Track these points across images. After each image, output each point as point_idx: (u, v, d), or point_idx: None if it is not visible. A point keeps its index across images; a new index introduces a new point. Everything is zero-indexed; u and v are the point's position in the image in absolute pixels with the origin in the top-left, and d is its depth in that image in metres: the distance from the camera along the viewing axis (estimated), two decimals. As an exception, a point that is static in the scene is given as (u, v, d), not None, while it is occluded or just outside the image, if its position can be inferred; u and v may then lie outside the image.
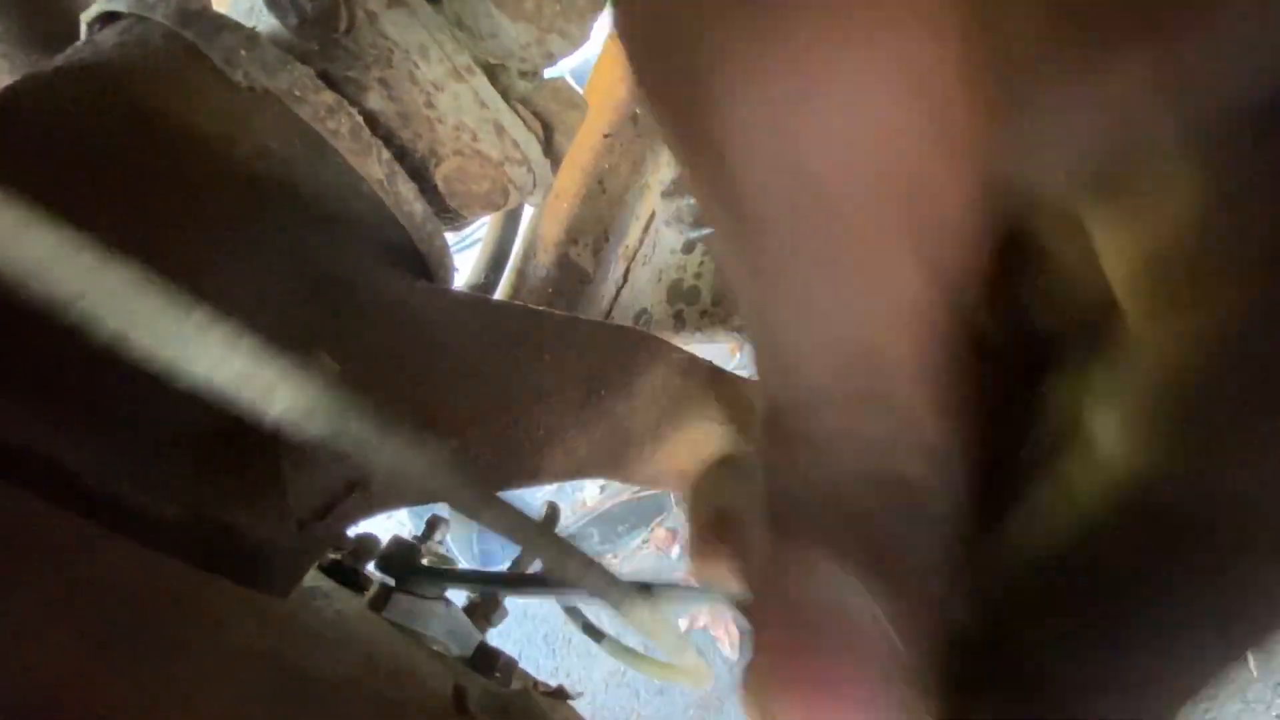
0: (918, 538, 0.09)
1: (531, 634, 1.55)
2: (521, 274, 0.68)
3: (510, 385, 0.31)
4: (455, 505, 0.14)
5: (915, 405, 0.08)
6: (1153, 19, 0.07)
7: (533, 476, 0.32)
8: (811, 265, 0.08)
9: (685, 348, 0.42)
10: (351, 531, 0.36)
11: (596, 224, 0.68)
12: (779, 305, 0.08)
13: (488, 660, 0.30)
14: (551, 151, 0.40)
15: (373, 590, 0.34)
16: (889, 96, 0.07)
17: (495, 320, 0.33)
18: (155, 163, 0.24)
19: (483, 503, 0.14)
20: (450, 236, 0.38)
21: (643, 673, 0.43)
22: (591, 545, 1.64)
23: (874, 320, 0.08)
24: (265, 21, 0.31)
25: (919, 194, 0.07)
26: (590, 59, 0.64)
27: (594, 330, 0.36)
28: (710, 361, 0.41)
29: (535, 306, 0.35)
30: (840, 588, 0.09)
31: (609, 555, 1.61)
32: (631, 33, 0.08)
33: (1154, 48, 0.07)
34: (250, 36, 0.27)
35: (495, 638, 0.41)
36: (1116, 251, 0.09)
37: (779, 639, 0.09)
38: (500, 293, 0.68)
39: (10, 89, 0.25)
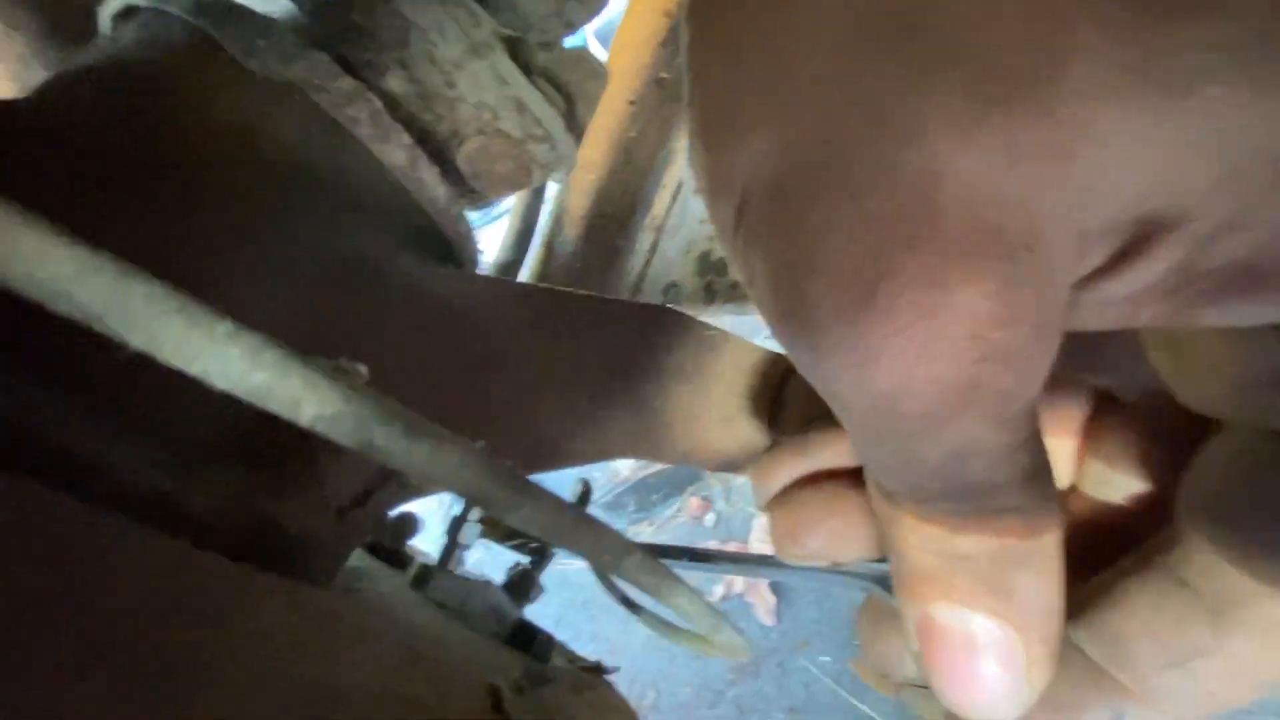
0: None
1: (571, 599, 1.59)
2: (549, 249, 0.67)
3: (539, 369, 0.31)
4: (489, 506, 0.14)
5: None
6: None
7: (562, 460, 0.32)
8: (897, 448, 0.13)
9: (716, 321, 0.41)
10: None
11: (624, 195, 0.67)
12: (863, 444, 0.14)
13: (526, 638, 0.31)
14: (574, 125, 0.39)
15: (414, 569, 0.35)
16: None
17: (521, 303, 0.33)
18: (177, 157, 0.24)
19: (520, 498, 0.14)
20: (475, 212, 0.38)
21: (680, 645, 0.44)
22: (627, 514, 1.66)
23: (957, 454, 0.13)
24: (281, 5, 0.31)
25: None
26: (615, 19, 0.61)
27: (621, 309, 0.36)
28: (740, 337, 0.40)
29: (561, 287, 0.34)
30: None
31: (644, 523, 1.63)
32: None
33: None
34: (267, 25, 0.27)
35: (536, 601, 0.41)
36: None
37: None
38: (528, 268, 0.67)
39: (38, 92, 0.25)
